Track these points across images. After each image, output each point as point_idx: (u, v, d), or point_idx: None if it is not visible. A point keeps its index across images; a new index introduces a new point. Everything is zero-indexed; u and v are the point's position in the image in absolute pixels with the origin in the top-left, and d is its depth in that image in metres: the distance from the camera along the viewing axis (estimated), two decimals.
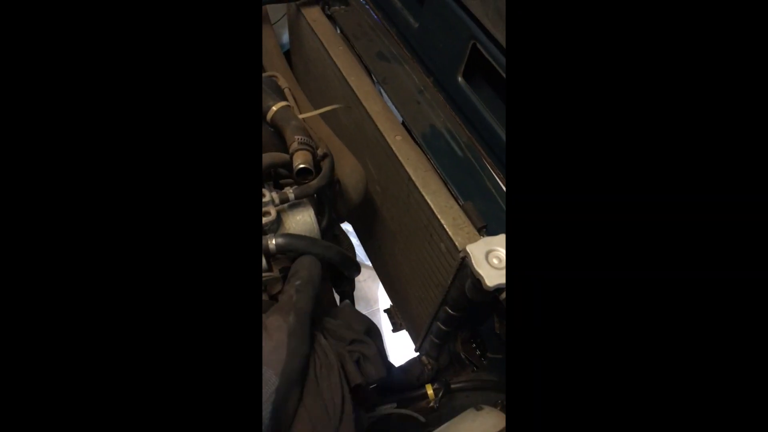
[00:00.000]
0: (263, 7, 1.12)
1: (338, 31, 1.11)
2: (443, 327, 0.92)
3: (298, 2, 1.12)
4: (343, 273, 0.76)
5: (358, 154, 1.01)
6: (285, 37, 1.37)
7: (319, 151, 0.74)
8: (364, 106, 0.94)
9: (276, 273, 0.64)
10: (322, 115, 0.89)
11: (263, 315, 0.56)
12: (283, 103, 0.76)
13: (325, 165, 0.74)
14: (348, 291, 0.91)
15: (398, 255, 1.03)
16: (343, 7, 1.14)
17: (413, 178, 0.82)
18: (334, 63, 1.02)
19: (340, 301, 0.93)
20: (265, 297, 0.64)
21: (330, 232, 0.87)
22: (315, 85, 1.20)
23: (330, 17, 1.14)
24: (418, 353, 1.10)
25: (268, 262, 0.63)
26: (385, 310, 1.25)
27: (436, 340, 0.99)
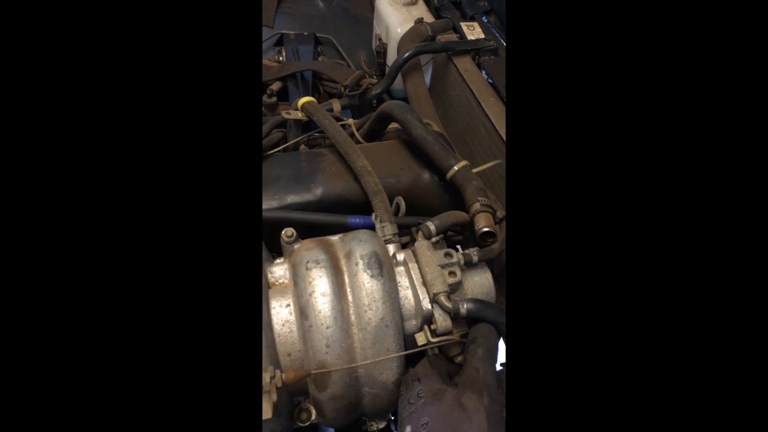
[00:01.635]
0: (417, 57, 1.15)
1: (487, 81, 1.12)
2: None
3: (451, 53, 1.15)
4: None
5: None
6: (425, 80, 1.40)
7: (498, 214, 0.73)
8: None
9: (457, 336, 0.63)
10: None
11: (454, 389, 0.56)
12: (464, 163, 0.77)
13: (503, 228, 0.74)
14: None
15: None
16: (493, 57, 1.16)
17: None
18: (485, 113, 1.03)
19: None
20: (433, 351, 0.64)
21: None
22: (453, 130, 1.22)
23: (479, 66, 1.16)
24: None
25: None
26: None
27: None
